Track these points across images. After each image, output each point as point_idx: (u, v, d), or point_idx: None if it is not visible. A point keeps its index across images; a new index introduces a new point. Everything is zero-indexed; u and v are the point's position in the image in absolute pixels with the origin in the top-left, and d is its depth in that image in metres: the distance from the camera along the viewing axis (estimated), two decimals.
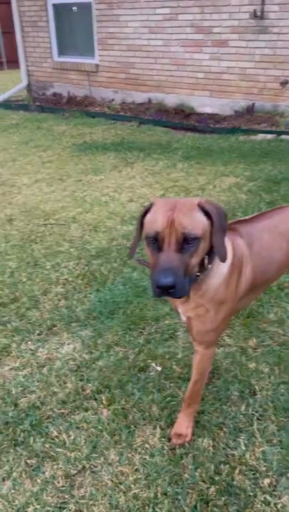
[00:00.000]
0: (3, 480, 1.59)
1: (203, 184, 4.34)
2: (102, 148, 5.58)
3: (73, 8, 8.11)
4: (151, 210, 1.36)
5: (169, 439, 1.70)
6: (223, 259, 1.35)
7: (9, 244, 3.31)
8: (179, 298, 1.32)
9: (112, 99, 7.93)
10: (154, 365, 2.11)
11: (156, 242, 1.29)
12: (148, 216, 1.36)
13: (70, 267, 2.98)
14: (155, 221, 1.30)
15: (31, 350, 2.25)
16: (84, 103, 8.09)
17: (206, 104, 6.90)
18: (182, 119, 6.78)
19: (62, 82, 8.67)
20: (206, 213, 1.32)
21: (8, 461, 1.66)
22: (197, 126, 6.41)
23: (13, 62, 14.36)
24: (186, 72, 6.98)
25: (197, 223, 1.29)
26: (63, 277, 2.87)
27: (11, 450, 1.70)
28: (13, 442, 1.73)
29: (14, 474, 1.60)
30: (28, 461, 1.65)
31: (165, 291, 1.25)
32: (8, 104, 8.41)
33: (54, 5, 8.34)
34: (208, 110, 6.87)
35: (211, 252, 1.39)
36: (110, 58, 7.81)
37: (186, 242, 1.27)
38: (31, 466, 1.63)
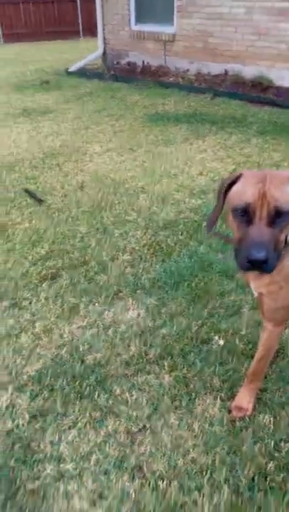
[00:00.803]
0: (69, 428, 1.69)
1: (278, 161, 4.16)
2: (174, 119, 5.51)
3: None
4: (239, 181, 1.33)
5: (230, 411, 1.72)
6: None
7: (80, 210, 3.40)
8: (269, 273, 1.30)
9: (187, 70, 7.74)
10: (216, 338, 2.12)
11: (244, 214, 1.27)
12: (236, 187, 1.33)
13: (138, 237, 3.02)
14: (245, 193, 1.27)
15: (98, 312, 2.34)
16: (158, 73, 7.97)
17: (286, 77, 6.53)
18: (259, 92, 6.48)
19: (137, 51, 8.57)
20: None
21: (74, 411, 1.76)
22: (275, 100, 6.10)
23: (89, 31, 14.43)
24: (268, 42, 6.62)
25: None
26: (130, 246, 2.92)
27: (77, 402, 1.80)
28: (79, 395, 1.83)
29: (79, 424, 1.70)
30: (92, 413, 1.74)
31: (255, 265, 1.24)
32: (84, 73, 8.49)
33: None
34: (288, 84, 6.51)
35: None
36: (188, 27, 7.58)
37: (277, 216, 1.24)
38: (95, 419, 1.73)
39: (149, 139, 4.92)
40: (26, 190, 3.69)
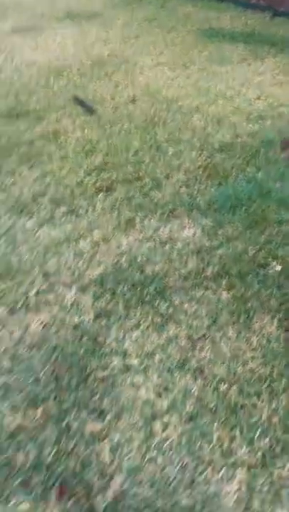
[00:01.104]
0: (132, 329, 1.78)
1: None
2: (230, 37, 5.11)
3: None
4: None
5: (287, 331, 1.77)
6: None
7: (133, 125, 3.29)
8: None
9: None
10: (274, 263, 2.13)
11: None
12: None
13: (192, 157, 2.94)
14: None
15: (154, 227, 2.35)
16: None
17: None
18: None
19: None
20: None
21: (135, 315, 1.84)
22: None
23: None
24: None
25: None
26: (185, 165, 2.86)
27: (139, 307, 1.87)
28: (140, 301, 1.89)
29: (142, 326, 1.78)
30: (154, 318, 1.82)
31: None
32: None
33: None
34: None
35: None
36: None
37: None
38: (156, 323, 1.80)
39: (202, 55, 4.62)
40: (76, 98, 3.56)
